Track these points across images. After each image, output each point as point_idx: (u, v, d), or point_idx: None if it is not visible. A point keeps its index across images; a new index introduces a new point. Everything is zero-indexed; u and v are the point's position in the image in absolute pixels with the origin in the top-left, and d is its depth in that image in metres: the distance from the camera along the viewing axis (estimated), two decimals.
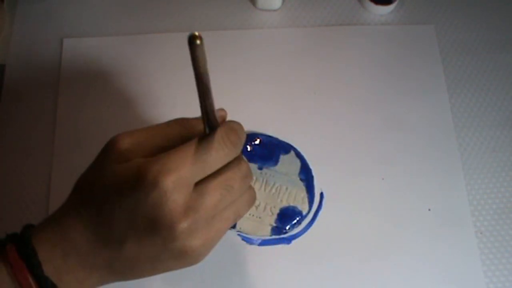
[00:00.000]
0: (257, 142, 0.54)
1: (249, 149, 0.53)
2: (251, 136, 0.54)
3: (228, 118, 0.55)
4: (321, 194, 0.52)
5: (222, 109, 0.37)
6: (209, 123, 0.33)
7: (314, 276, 0.49)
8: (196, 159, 0.31)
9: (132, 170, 0.31)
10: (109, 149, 0.33)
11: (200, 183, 0.32)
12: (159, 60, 0.58)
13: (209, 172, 0.32)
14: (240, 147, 0.34)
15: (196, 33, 0.26)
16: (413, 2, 0.62)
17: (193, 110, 0.56)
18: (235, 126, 0.34)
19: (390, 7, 0.60)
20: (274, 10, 0.61)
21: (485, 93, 0.58)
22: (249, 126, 0.55)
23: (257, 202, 0.51)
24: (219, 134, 0.33)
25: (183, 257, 0.32)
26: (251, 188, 0.36)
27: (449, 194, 0.53)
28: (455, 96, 0.57)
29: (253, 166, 0.53)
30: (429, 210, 0.52)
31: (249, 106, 0.56)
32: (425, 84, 0.58)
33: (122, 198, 0.31)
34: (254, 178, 0.52)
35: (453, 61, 0.59)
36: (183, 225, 0.31)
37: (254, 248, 0.50)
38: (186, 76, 0.57)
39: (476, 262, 0.50)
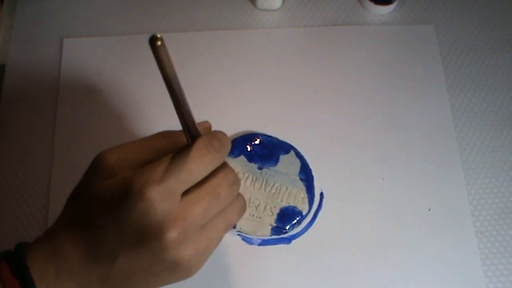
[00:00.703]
0: (257, 142, 0.54)
1: (249, 149, 0.53)
2: (251, 136, 0.54)
3: (228, 118, 0.56)
4: (321, 194, 0.52)
5: (206, 122, 0.37)
6: (190, 133, 0.33)
7: (314, 276, 0.49)
8: (180, 168, 0.31)
9: (118, 183, 0.31)
10: (96, 165, 0.34)
11: (187, 192, 0.32)
12: None
13: (195, 180, 0.32)
14: (225, 154, 0.34)
15: (157, 35, 0.27)
16: (413, 2, 0.62)
17: (193, 109, 0.56)
18: (217, 134, 0.34)
19: (390, 7, 0.60)
20: (274, 10, 0.61)
21: (485, 93, 0.58)
22: (249, 126, 0.55)
23: (257, 202, 0.51)
24: (201, 141, 0.33)
25: (176, 269, 0.32)
26: (240, 196, 0.36)
27: (449, 194, 0.53)
28: (455, 96, 0.57)
29: (253, 166, 0.53)
30: (429, 210, 0.52)
31: (249, 106, 0.56)
32: (425, 84, 0.58)
33: (110, 212, 0.31)
34: (254, 178, 0.52)
35: (453, 61, 0.59)
36: (172, 234, 0.31)
37: (254, 248, 0.50)
38: (186, 76, 0.57)
39: (476, 262, 0.50)
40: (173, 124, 0.53)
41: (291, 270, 0.49)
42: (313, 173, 0.53)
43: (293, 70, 0.58)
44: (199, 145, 0.32)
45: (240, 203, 0.36)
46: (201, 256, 0.33)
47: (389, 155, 0.54)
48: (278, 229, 0.51)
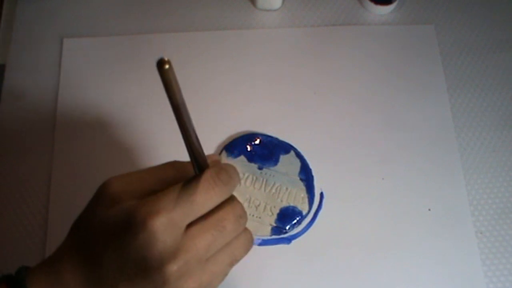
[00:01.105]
0: (257, 142, 0.54)
1: (249, 149, 0.53)
2: (251, 136, 0.54)
3: (228, 118, 0.56)
4: (321, 194, 0.52)
5: (214, 155, 0.36)
6: (198, 163, 0.32)
7: (314, 276, 0.49)
8: (185, 200, 0.30)
9: (121, 212, 0.31)
10: (101, 193, 0.33)
11: (191, 225, 0.31)
12: None
13: (200, 213, 0.31)
14: (232, 187, 0.33)
15: (165, 58, 0.26)
16: (413, 2, 0.62)
17: (193, 109, 0.56)
18: (225, 166, 0.33)
19: (390, 7, 0.60)
20: (274, 10, 0.61)
21: (485, 93, 0.58)
22: (249, 126, 0.55)
23: (257, 202, 0.51)
24: (208, 173, 0.32)
25: None
26: (247, 230, 0.35)
27: (449, 194, 0.53)
28: (455, 96, 0.57)
29: (253, 166, 0.53)
30: (429, 210, 0.52)
31: (249, 106, 0.56)
32: (425, 84, 0.58)
33: (112, 241, 0.31)
34: (254, 178, 0.52)
35: (453, 61, 0.59)
36: (173, 267, 0.30)
37: (254, 248, 0.50)
38: (186, 76, 0.57)
39: (476, 262, 0.50)
40: (172, 127, 0.53)
41: (291, 270, 0.49)
42: (313, 173, 0.53)
43: (293, 70, 0.58)
44: (206, 177, 0.32)
45: (247, 238, 0.35)
46: None
47: (389, 155, 0.54)
48: (278, 229, 0.51)
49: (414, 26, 0.61)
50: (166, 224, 0.30)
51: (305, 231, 0.51)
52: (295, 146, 0.54)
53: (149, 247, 0.30)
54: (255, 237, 0.50)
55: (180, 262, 0.30)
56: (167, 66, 0.26)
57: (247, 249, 0.35)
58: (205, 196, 0.31)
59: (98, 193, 0.33)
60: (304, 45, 0.59)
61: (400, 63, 0.59)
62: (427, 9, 0.62)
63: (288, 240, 0.50)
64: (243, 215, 0.34)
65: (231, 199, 0.33)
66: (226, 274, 0.34)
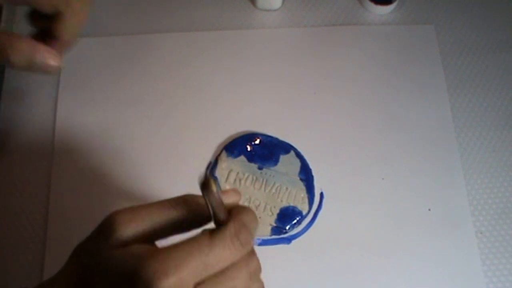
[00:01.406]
0: (257, 142, 0.54)
1: (249, 149, 0.53)
2: (251, 136, 0.54)
3: (228, 117, 0.56)
4: (321, 194, 0.52)
5: (234, 190, 0.33)
6: (217, 218, 0.30)
7: (314, 276, 0.49)
8: (198, 260, 0.28)
9: (128, 261, 0.29)
10: (107, 228, 0.31)
11: (200, 283, 0.29)
12: (159, 60, 0.58)
13: (211, 273, 0.29)
14: (251, 245, 0.31)
15: (211, 178, 0.24)
16: (413, 2, 0.62)
17: (193, 109, 0.56)
18: (247, 221, 0.31)
19: (390, 7, 0.60)
20: (274, 10, 0.61)
21: (485, 93, 0.58)
22: (249, 126, 0.55)
23: (257, 202, 0.51)
24: (227, 231, 0.30)
25: None
26: (260, 283, 0.33)
27: (449, 194, 0.53)
28: (455, 96, 0.57)
29: (253, 166, 0.53)
30: (429, 210, 0.52)
31: (249, 106, 0.56)
32: (425, 84, 0.58)
33: None
34: (254, 178, 0.52)
35: (453, 61, 0.59)
36: None
37: (254, 248, 0.50)
38: (186, 76, 0.57)
39: (476, 262, 0.50)
40: (174, 124, 0.52)
41: (291, 270, 0.49)
42: (313, 173, 0.53)
43: (293, 70, 0.58)
44: (224, 236, 0.29)
45: None
46: None
47: (389, 155, 0.54)
48: (278, 229, 0.51)
49: (414, 26, 0.61)
50: (174, 284, 0.28)
51: (305, 231, 0.51)
52: (295, 146, 0.54)
53: None
54: (255, 237, 0.50)
55: None
56: (214, 189, 0.24)
57: None
58: (219, 258, 0.29)
59: (105, 226, 0.31)
60: (304, 45, 0.59)
61: (400, 63, 0.59)
62: (427, 9, 0.62)
63: (288, 240, 0.50)
64: (257, 271, 0.32)
65: (249, 253, 0.31)
66: None
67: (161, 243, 0.31)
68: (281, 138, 0.54)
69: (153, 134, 0.54)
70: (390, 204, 0.52)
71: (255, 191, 0.52)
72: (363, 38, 0.60)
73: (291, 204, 0.52)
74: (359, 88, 0.57)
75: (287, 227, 0.51)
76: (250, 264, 0.31)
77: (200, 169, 0.53)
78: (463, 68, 0.59)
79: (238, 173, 0.52)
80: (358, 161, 0.54)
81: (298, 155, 0.54)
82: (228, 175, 0.52)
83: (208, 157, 0.53)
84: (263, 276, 0.49)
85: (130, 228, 0.30)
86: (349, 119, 0.56)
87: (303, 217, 0.51)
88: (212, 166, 0.53)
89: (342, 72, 0.58)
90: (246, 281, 0.31)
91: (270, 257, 0.50)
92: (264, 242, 0.50)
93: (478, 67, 0.59)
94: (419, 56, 0.59)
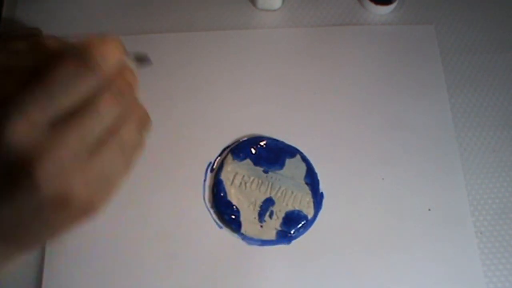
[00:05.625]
0: (263, 143, 0.53)
1: (254, 152, 0.53)
2: (257, 139, 0.54)
3: (229, 119, 0.56)
4: (321, 194, 0.52)
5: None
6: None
7: (314, 276, 0.49)
8: (39, 97, 0.26)
9: None
10: None
11: (58, 121, 0.27)
12: (159, 60, 0.58)
13: (63, 105, 0.27)
14: (106, 63, 0.28)
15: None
16: (413, 2, 0.62)
17: (193, 109, 0.56)
18: (94, 41, 0.28)
19: (390, 7, 0.60)
20: (274, 10, 0.61)
21: (485, 93, 0.58)
22: (252, 128, 0.55)
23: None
24: (64, 56, 0.27)
25: (67, 205, 0.27)
26: (137, 105, 0.30)
27: (449, 194, 0.53)
28: (455, 96, 0.57)
29: (259, 170, 0.52)
30: (429, 210, 0.52)
31: (249, 106, 0.56)
32: (425, 84, 0.58)
33: None
34: (260, 181, 0.52)
35: (453, 61, 0.59)
36: (40, 168, 0.26)
37: (254, 248, 0.50)
38: (186, 76, 0.57)
39: (476, 262, 0.50)
40: (172, 123, 0.53)
41: (291, 270, 0.49)
42: (319, 178, 0.53)
43: (293, 70, 0.58)
44: (61, 61, 0.27)
45: (138, 114, 0.30)
46: (97, 187, 0.28)
47: (389, 155, 0.54)
48: (283, 233, 0.50)
49: (414, 26, 0.61)
50: (19, 127, 0.26)
51: (305, 231, 0.51)
52: (300, 149, 0.54)
53: (10, 154, 0.26)
54: (255, 237, 0.50)
55: (49, 162, 0.26)
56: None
57: (139, 129, 0.31)
58: (61, 84, 0.27)
59: None
60: (304, 45, 0.59)
61: (400, 63, 0.59)
62: (427, 9, 0.62)
63: (288, 240, 0.50)
64: (122, 91, 0.29)
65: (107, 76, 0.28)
66: (125, 165, 0.29)
67: None
68: (281, 139, 0.54)
69: (153, 134, 0.54)
70: (390, 204, 0.52)
71: (260, 194, 0.52)
72: (363, 38, 0.60)
73: (297, 208, 0.51)
74: (359, 88, 0.57)
75: (292, 231, 0.50)
76: (109, 85, 0.29)
77: (202, 172, 0.53)
78: (463, 68, 0.59)
79: (243, 176, 0.52)
80: (358, 161, 0.54)
81: (304, 159, 0.53)
82: (234, 178, 0.52)
83: (211, 160, 0.53)
84: (263, 276, 0.49)
85: None
86: (349, 119, 0.56)
87: (308, 221, 0.51)
88: (218, 169, 0.53)
89: (341, 72, 0.58)
90: (111, 102, 0.28)
91: (270, 257, 0.50)
92: (264, 243, 0.50)
93: (478, 67, 0.59)
94: (419, 56, 0.59)
